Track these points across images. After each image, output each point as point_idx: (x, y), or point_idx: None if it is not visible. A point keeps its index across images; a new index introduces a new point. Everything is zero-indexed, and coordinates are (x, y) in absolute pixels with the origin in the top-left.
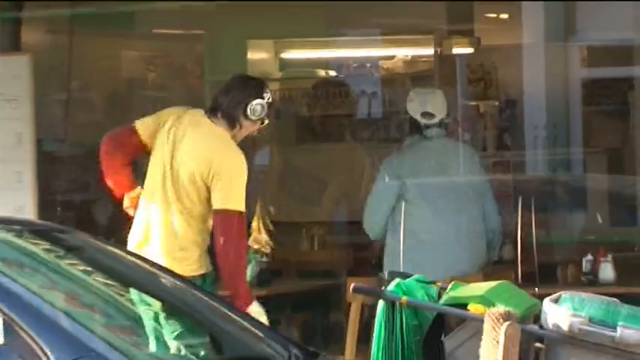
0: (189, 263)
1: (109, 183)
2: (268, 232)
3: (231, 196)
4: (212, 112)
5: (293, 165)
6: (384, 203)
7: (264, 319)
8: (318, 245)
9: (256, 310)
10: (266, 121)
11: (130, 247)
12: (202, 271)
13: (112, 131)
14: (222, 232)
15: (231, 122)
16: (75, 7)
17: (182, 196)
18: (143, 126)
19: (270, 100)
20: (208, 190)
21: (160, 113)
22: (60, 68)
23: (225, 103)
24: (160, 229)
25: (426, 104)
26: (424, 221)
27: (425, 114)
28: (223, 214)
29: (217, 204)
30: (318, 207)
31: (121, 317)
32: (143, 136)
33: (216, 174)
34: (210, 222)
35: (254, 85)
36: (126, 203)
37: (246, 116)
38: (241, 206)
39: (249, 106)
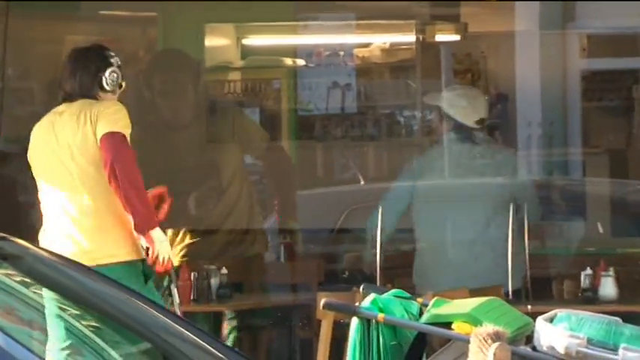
0: (116, 246)
1: None
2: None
3: (114, 122)
4: (67, 101)
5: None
6: (392, 206)
7: (165, 245)
8: (285, 256)
9: (157, 237)
10: (123, 85)
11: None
12: (135, 257)
13: None
14: (107, 153)
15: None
16: None
17: (78, 172)
18: None
19: (119, 62)
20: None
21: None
22: None
23: (76, 87)
24: (69, 219)
25: (480, 109)
26: (436, 228)
27: (479, 120)
28: (106, 138)
29: (100, 133)
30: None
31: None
32: None
33: (99, 119)
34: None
35: (96, 56)
36: None
37: (104, 90)
38: (126, 130)
39: (103, 80)
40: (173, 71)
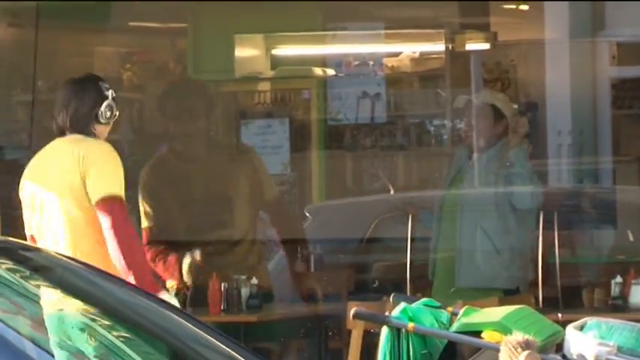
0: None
1: None
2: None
3: (109, 182)
4: (60, 135)
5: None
6: None
7: (174, 302)
8: (315, 266)
9: (164, 298)
10: (117, 114)
11: None
12: None
13: None
14: (104, 220)
15: (86, 135)
16: None
17: (66, 213)
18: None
19: (114, 94)
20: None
21: None
22: (24, 66)
23: (68, 121)
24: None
25: None
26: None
27: None
28: (103, 203)
29: (95, 195)
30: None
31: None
32: None
33: (88, 165)
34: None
35: (92, 88)
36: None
37: (99, 123)
38: (121, 191)
39: (98, 115)
40: (188, 101)
